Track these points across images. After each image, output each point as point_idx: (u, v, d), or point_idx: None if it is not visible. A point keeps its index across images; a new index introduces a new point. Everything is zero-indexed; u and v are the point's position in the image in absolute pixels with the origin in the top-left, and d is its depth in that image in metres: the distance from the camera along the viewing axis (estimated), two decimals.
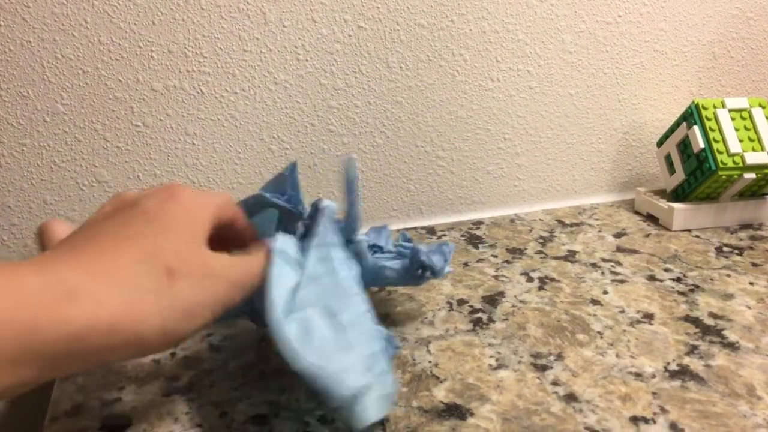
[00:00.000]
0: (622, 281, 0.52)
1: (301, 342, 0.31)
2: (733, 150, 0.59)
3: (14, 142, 0.53)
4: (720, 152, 0.59)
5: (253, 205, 0.40)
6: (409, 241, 0.46)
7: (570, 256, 0.57)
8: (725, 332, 0.44)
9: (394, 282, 0.44)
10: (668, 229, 0.63)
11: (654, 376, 0.40)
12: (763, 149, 0.60)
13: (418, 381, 0.39)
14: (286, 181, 0.42)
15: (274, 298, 0.32)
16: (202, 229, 0.30)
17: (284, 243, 0.35)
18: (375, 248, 0.45)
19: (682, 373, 0.40)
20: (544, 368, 0.41)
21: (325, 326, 0.33)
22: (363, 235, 0.42)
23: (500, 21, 0.61)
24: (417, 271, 0.43)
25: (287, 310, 0.32)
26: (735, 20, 0.70)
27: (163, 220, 0.29)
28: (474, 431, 0.35)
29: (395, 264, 0.43)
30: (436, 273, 0.43)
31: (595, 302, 0.49)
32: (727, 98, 0.62)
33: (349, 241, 0.40)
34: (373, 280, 0.43)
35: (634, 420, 0.36)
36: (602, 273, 0.54)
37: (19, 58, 0.51)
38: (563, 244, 0.60)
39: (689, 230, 0.63)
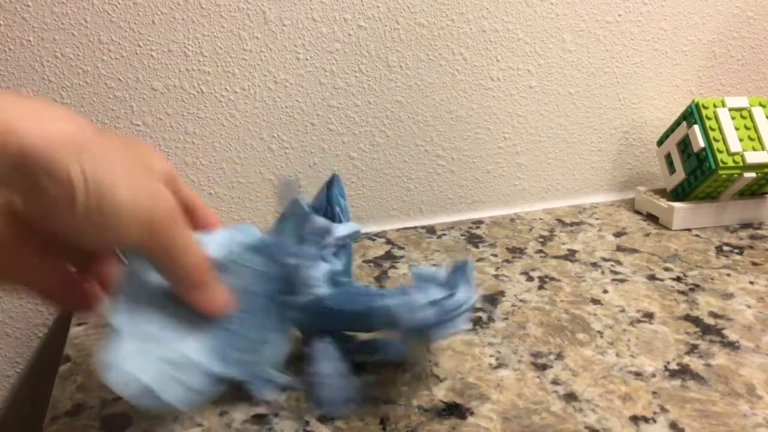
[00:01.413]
0: (622, 280, 0.52)
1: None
2: (733, 149, 0.59)
3: None
4: (720, 151, 0.59)
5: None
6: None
7: (570, 256, 0.57)
8: (725, 331, 0.44)
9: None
10: (668, 229, 0.63)
11: (654, 376, 0.40)
12: (763, 148, 0.60)
13: (418, 380, 0.39)
14: (323, 194, 0.41)
15: None
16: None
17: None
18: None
19: (682, 372, 0.40)
20: (544, 367, 0.41)
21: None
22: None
23: (500, 20, 0.61)
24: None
25: None
26: (735, 19, 0.70)
27: None
28: (474, 430, 0.35)
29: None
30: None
31: (595, 301, 0.49)
32: (727, 97, 0.62)
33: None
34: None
35: (634, 419, 0.36)
36: (602, 272, 0.54)
37: (18, 58, 0.51)
38: (563, 244, 0.60)
39: (689, 229, 0.63)
